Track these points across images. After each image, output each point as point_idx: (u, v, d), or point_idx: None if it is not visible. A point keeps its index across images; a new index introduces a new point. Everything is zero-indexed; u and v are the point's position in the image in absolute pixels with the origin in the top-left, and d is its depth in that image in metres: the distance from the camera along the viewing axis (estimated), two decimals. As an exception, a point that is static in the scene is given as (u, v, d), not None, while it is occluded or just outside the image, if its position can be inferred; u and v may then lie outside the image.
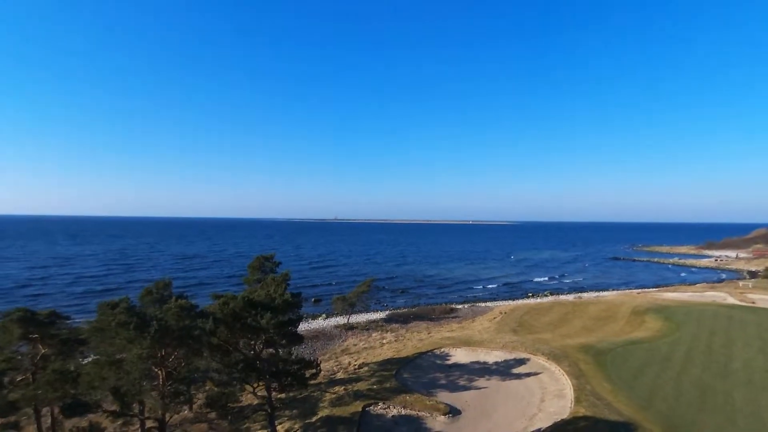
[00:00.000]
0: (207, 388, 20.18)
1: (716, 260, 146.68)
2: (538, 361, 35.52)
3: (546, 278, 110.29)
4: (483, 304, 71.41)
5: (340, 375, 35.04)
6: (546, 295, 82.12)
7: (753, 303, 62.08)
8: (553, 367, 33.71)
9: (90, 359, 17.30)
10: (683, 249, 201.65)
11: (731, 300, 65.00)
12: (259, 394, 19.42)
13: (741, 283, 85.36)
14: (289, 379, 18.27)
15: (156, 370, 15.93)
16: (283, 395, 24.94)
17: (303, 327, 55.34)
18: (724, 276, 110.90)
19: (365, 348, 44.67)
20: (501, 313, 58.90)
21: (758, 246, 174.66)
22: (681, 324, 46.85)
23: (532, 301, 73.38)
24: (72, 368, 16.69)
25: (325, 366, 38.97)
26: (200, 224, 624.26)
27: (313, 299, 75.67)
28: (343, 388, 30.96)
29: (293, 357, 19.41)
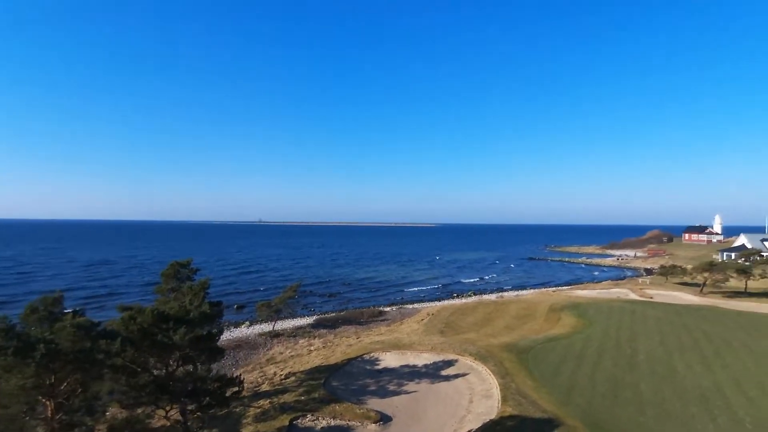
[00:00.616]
0: (109, 415, 17.79)
1: (618, 259, 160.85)
2: (465, 362, 36.14)
3: (469, 278, 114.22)
4: (410, 306, 72.15)
5: (265, 387, 33.18)
6: (470, 296, 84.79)
7: (651, 298, 68.47)
8: (480, 367, 34.44)
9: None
10: (590, 249, 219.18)
11: (633, 296, 71.22)
12: (172, 417, 17.46)
13: (640, 280, 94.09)
14: (208, 398, 16.50)
15: (44, 400, 13.51)
16: (201, 414, 22.92)
17: (225, 336, 52.17)
18: (629, 274, 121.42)
19: (292, 356, 42.96)
20: (428, 314, 59.72)
21: (652, 246, 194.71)
22: (592, 320, 50.28)
23: (457, 301, 75.36)
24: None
25: (249, 377, 36.83)
26: (111, 227, 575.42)
27: (235, 306, 71.97)
28: (268, 401, 29.26)
29: (213, 374, 17.55)
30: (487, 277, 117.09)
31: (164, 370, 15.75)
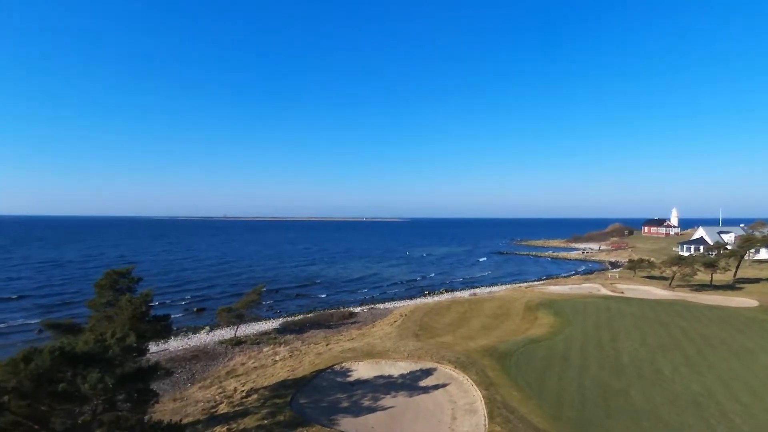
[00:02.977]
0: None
1: (583, 252, 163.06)
2: (444, 371, 33.43)
3: (440, 275, 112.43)
4: (382, 306, 69.27)
5: (223, 407, 29.40)
6: (442, 293, 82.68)
7: (622, 293, 67.96)
8: (461, 377, 31.81)
9: None
10: (555, 242, 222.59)
11: (604, 291, 70.54)
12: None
13: (609, 274, 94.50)
14: (141, 452, 12.87)
15: None
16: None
17: (182, 344, 48.20)
18: (596, 267, 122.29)
19: (255, 367, 39.22)
20: (401, 315, 56.90)
21: (614, 239, 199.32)
22: (570, 318, 48.68)
23: (429, 300, 72.94)
24: None
25: (206, 394, 33.03)
26: (68, 224, 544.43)
27: (195, 309, 67.13)
28: (226, 427, 25.55)
29: (147, 420, 13.78)
30: (458, 273, 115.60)
31: (80, 421, 12.07)
